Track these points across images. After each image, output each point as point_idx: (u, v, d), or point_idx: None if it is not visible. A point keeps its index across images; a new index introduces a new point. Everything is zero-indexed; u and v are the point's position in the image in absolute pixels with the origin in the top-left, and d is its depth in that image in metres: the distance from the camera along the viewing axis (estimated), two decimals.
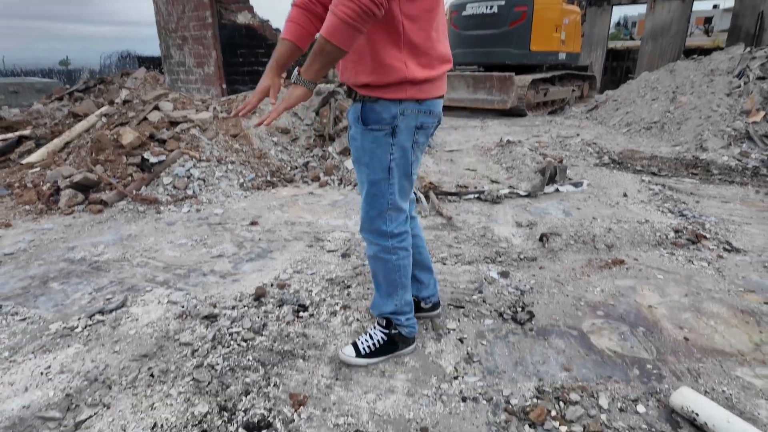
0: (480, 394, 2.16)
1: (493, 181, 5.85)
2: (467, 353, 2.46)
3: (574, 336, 2.65)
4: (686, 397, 2.01)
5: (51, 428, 1.90)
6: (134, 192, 5.03)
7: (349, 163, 6.03)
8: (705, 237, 4.02)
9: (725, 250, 3.83)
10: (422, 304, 2.71)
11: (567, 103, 13.48)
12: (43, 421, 1.94)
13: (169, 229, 4.30)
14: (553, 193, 5.52)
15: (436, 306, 2.78)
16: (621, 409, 2.08)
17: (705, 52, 15.72)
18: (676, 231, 4.12)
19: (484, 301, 2.97)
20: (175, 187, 5.24)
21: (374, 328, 2.41)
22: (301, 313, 2.78)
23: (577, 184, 5.78)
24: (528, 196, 5.34)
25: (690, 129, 8.25)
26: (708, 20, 45.51)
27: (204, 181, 5.39)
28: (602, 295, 3.11)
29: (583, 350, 2.52)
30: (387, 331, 2.37)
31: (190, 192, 5.22)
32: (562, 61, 13.07)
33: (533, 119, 11.91)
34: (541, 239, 3.96)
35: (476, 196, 5.22)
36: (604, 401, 2.11)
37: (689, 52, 17.69)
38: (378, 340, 2.36)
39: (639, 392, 2.20)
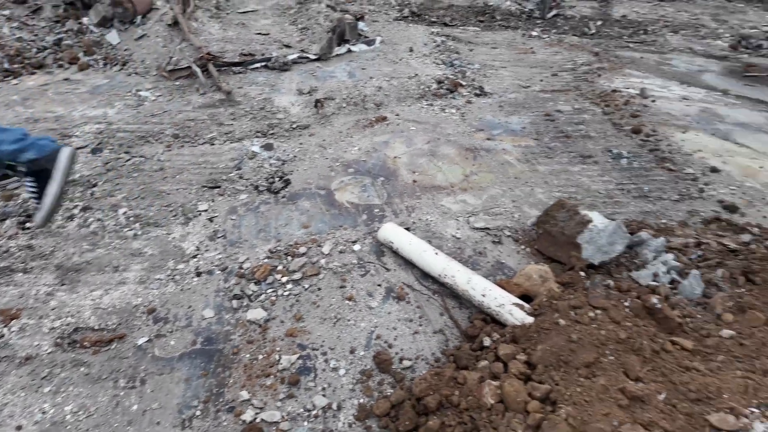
0: (216, 266, 2.31)
1: (285, 46, 5.54)
2: (213, 231, 2.55)
3: (322, 195, 2.90)
4: (386, 230, 2.40)
5: None
6: None
7: (113, 37, 5.13)
8: (462, 85, 4.45)
9: (476, 95, 4.32)
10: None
11: None
12: None
13: None
14: (345, 53, 5.47)
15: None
16: (341, 252, 2.42)
17: None
18: (439, 82, 4.48)
19: (241, 177, 3.01)
20: None
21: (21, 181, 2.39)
22: (27, 224, 2.54)
23: (369, 42, 5.77)
24: (319, 59, 5.22)
25: None
26: None
27: None
28: (358, 152, 3.37)
29: (326, 207, 2.79)
30: (24, 170, 2.28)
31: None
32: None
33: None
34: (315, 105, 4.01)
35: (263, 64, 4.94)
36: (326, 248, 2.42)
37: None
38: (31, 184, 2.33)
39: (360, 234, 2.55)
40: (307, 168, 3.17)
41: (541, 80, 4.57)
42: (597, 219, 2.17)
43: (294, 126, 3.73)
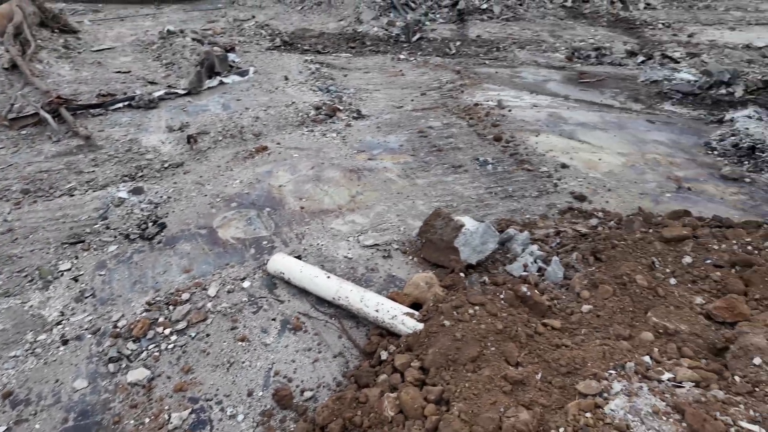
0: (86, 329, 2.07)
1: (150, 82, 5.23)
2: (80, 291, 2.29)
3: (203, 235, 2.76)
4: (276, 261, 2.36)
5: None
6: None
7: None
8: (340, 109, 4.57)
9: (354, 118, 4.46)
10: None
11: None
12: None
13: None
14: (218, 86, 5.32)
15: None
16: (229, 291, 2.32)
17: None
18: (317, 108, 4.56)
19: (108, 228, 2.76)
20: None
21: None
22: None
23: (243, 73, 5.68)
24: (188, 93, 5.01)
25: (350, 2, 8.91)
26: None
27: None
28: (240, 186, 3.27)
29: (208, 247, 2.66)
30: None
31: None
32: None
33: (216, 2, 10.91)
34: (188, 141, 3.83)
35: (126, 104, 4.61)
36: (212, 290, 2.31)
37: None
38: None
39: (249, 270, 2.47)
40: (184, 208, 3.00)
41: (412, 100, 4.87)
42: (469, 223, 2.36)
43: (166, 165, 3.52)
